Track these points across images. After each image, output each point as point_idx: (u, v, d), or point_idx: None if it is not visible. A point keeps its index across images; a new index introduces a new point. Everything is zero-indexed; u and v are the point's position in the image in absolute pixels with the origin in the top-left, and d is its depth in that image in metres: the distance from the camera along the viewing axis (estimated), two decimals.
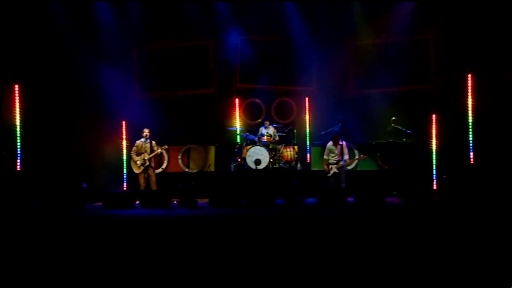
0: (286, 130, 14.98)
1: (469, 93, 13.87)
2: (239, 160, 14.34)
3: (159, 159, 14.56)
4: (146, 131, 13.02)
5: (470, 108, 13.83)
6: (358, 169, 14.13)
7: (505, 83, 13.85)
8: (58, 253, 8.46)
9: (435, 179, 13.56)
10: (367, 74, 15.26)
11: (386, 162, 14.23)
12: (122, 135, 14.44)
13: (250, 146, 14.19)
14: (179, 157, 14.89)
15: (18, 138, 13.49)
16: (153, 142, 13.07)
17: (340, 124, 14.54)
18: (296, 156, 14.57)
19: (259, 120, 15.12)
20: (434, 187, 13.42)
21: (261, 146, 14.08)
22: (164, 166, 14.82)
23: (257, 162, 13.86)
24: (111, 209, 12.10)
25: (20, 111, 13.60)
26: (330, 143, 12.93)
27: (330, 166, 12.79)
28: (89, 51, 14.64)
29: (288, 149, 14.55)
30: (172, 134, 14.92)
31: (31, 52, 14.22)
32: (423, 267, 7.52)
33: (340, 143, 12.84)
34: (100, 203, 12.58)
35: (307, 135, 15.21)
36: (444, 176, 12.57)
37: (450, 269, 7.39)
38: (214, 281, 7.41)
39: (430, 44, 15.05)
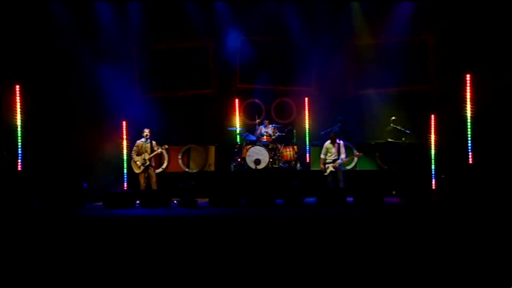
0: (286, 130, 15.02)
1: (468, 94, 13.87)
2: (239, 160, 14.36)
3: (159, 159, 14.54)
4: (146, 131, 13.04)
5: (468, 108, 13.82)
6: (357, 169, 14.19)
7: (504, 84, 13.88)
8: (59, 253, 8.45)
9: (434, 179, 13.55)
10: (367, 74, 15.31)
11: (385, 162, 14.25)
12: (123, 135, 14.39)
13: (250, 146, 14.22)
14: (179, 157, 14.90)
15: (19, 138, 13.47)
16: (154, 142, 13.09)
17: (339, 124, 14.61)
18: (295, 156, 14.60)
19: (259, 120, 15.15)
20: (433, 187, 13.42)
21: (260, 146, 14.11)
22: (164, 166, 14.81)
23: (257, 162, 13.89)
24: (112, 208, 12.13)
25: (21, 111, 13.59)
26: (328, 142, 12.97)
27: (327, 165, 12.84)
28: (89, 52, 14.65)
29: (288, 149, 14.58)
30: (173, 134, 14.96)
31: (32, 52, 14.23)
32: (422, 266, 7.51)
33: (338, 142, 12.90)
34: (101, 203, 12.59)
35: (307, 135, 15.27)
36: (443, 176, 12.59)
37: (449, 269, 7.39)
38: (214, 280, 7.41)
39: (429, 45, 15.11)
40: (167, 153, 14.67)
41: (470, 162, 13.74)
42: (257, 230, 9.40)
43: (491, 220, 9.50)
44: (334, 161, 12.80)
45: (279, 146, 14.57)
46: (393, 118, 14.34)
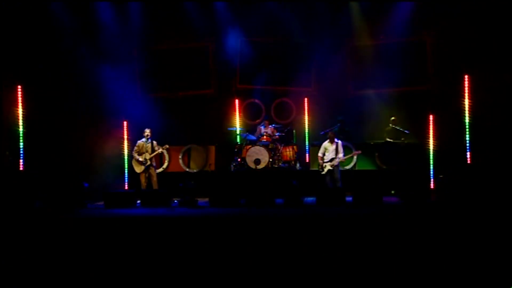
0: (286, 130, 15.05)
1: (466, 94, 13.88)
2: (239, 160, 14.39)
3: (160, 159, 14.57)
4: (147, 131, 13.09)
5: (467, 109, 13.81)
6: (356, 169, 14.24)
7: (502, 84, 13.91)
8: (60, 253, 8.52)
9: (433, 178, 13.56)
10: (366, 75, 15.34)
11: (385, 162, 14.29)
12: (124, 135, 14.41)
13: (250, 146, 14.24)
14: (180, 157, 14.92)
15: (21, 138, 13.47)
16: (154, 142, 13.13)
17: (338, 124, 14.68)
18: (295, 156, 14.63)
19: (259, 120, 15.21)
20: (432, 187, 13.45)
21: (260, 146, 14.13)
22: (165, 165, 14.83)
23: (257, 162, 13.92)
24: (113, 208, 12.20)
25: (22, 111, 13.57)
26: (326, 141, 13.04)
27: (324, 164, 12.90)
28: (90, 52, 14.68)
29: (288, 149, 14.60)
30: (173, 134, 14.94)
31: (33, 52, 14.22)
32: (421, 266, 7.57)
33: (336, 141, 12.97)
34: (102, 203, 12.65)
35: (306, 135, 15.28)
36: (441, 176, 12.62)
37: (448, 268, 7.44)
38: (215, 279, 7.46)
39: (427, 46, 15.13)
40: (168, 153, 14.69)
41: (469, 162, 13.73)
42: (257, 230, 9.44)
43: (489, 220, 9.54)
44: (331, 160, 12.88)
45: (279, 146, 14.59)
46: (393, 118, 14.41)
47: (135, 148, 13.17)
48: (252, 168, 13.97)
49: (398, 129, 14.23)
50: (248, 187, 13.30)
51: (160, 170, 14.51)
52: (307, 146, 15.21)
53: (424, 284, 7.12)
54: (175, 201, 12.72)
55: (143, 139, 13.10)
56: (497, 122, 13.91)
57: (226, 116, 15.94)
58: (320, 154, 13.05)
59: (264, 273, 7.59)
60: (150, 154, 13.04)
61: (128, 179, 14.40)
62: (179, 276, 7.67)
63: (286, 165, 14.54)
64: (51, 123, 14.27)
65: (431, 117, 14.03)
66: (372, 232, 9.04)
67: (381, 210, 11.27)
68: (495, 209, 10.67)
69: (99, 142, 14.60)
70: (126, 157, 14.33)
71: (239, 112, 15.99)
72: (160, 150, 13.24)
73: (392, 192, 13.35)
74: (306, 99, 15.43)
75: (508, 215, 10.02)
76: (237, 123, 15.84)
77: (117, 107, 14.75)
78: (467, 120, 13.86)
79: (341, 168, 13.34)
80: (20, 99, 13.61)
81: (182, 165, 14.93)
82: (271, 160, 14.08)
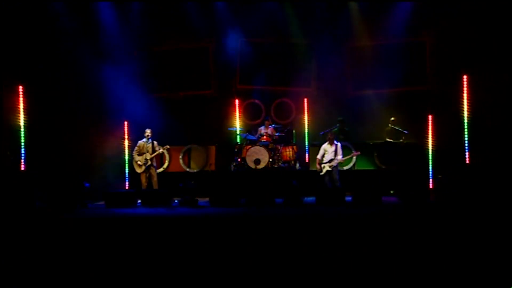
0: (285, 130, 15.08)
1: (465, 94, 13.90)
2: (239, 160, 14.41)
3: (160, 159, 14.60)
4: (148, 131, 13.14)
5: (465, 109, 13.83)
6: (355, 168, 14.27)
7: (501, 84, 13.95)
8: (61, 252, 8.54)
9: (432, 178, 13.57)
10: (365, 75, 15.43)
11: (384, 162, 14.33)
12: (124, 135, 14.43)
13: (250, 146, 14.26)
14: (180, 157, 14.95)
15: (22, 138, 13.48)
16: (155, 142, 13.17)
17: (338, 124, 14.74)
18: (295, 156, 14.66)
19: (259, 121, 15.27)
20: (431, 187, 13.48)
21: (260, 146, 14.16)
22: (165, 165, 14.85)
23: (257, 162, 13.94)
24: (113, 208, 12.23)
25: (24, 111, 13.61)
26: (326, 143, 13.08)
27: (323, 165, 12.95)
28: (91, 52, 14.70)
29: (287, 149, 14.63)
30: (173, 134, 14.96)
31: (34, 53, 14.24)
32: (420, 265, 7.60)
33: (335, 143, 13.02)
34: (103, 202, 12.69)
35: (306, 135, 15.31)
36: (440, 175, 12.65)
37: (447, 268, 7.47)
38: (215, 279, 7.49)
39: (426, 46, 15.21)
40: (168, 153, 14.72)
41: (468, 162, 13.73)
42: (257, 229, 9.46)
43: (488, 220, 9.56)
44: (330, 160, 12.93)
45: (279, 146, 14.62)
46: (392, 119, 14.48)
47: (136, 148, 13.21)
48: (252, 168, 13.99)
49: (397, 129, 14.29)
50: (248, 187, 13.31)
51: (161, 170, 14.53)
52: (306, 146, 15.23)
53: (424, 284, 7.13)
54: (176, 201, 12.74)
55: (144, 139, 13.14)
56: (496, 122, 13.96)
57: (226, 116, 15.99)
58: (319, 157, 13.09)
59: (264, 272, 7.60)
60: (150, 154, 13.08)
61: (128, 179, 14.41)
62: (179, 275, 7.68)
63: (286, 165, 14.56)
64: (52, 123, 14.30)
65: (430, 117, 14.04)
66: (372, 232, 9.06)
67: (380, 210, 11.28)
68: (494, 209, 10.68)
69: (100, 142, 14.62)
70: (127, 157, 14.34)
71: (239, 112, 16.04)
72: (161, 150, 13.28)
73: (392, 192, 13.39)
74: (305, 99, 15.46)
75: (507, 215, 10.03)
76: (237, 123, 15.88)
77: (117, 107, 14.77)
78: (466, 120, 13.86)
79: (340, 168, 13.39)
80: (21, 99, 13.59)
81: (182, 165, 14.95)
82: (271, 160, 14.10)
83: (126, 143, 14.35)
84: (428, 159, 13.86)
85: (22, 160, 13.51)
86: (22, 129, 13.55)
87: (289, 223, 9.93)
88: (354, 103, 15.51)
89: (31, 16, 14.27)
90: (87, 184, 13.04)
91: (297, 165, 14.64)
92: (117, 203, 12.38)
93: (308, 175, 14.05)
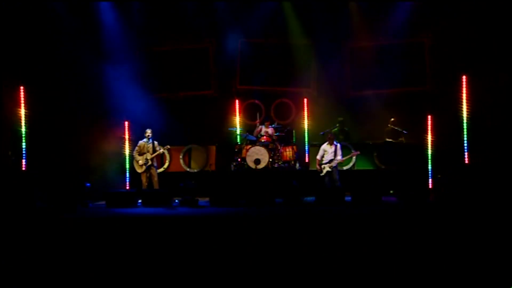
0: (285, 130, 15.12)
1: (464, 94, 13.90)
2: (239, 160, 14.45)
3: (161, 159, 14.63)
4: (148, 132, 13.17)
5: (464, 109, 13.83)
6: (355, 168, 14.31)
7: (499, 85, 13.97)
8: (62, 252, 8.58)
9: (431, 178, 13.58)
10: (364, 75, 15.46)
11: (383, 162, 14.37)
12: (125, 135, 14.44)
13: (250, 146, 14.29)
14: (181, 157, 14.99)
15: (23, 138, 13.50)
16: (155, 142, 13.20)
17: (338, 124, 14.77)
18: (295, 156, 14.68)
19: (259, 121, 15.31)
20: (430, 186, 13.51)
21: (260, 146, 14.19)
22: (166, 165, 14.89)
23: (257, 162, 13.97)
24: (114, 208, 12.26)
25: (25, 112, 13.61)
26: (325, 144, 13.12)
27: (323, 166, 12.99)
28: (92, 53, 14.73)
29: (287, 149, 14.66)
30: (174, 134, 14.99)
31: (35, 53, 14.24)
32: (419, 265, 7.63)
33: (335, 144, 13.06)
34: (103, 202, 12.73)
35: (306, 135, 15.32)
36: (439, 175, 12.68)
37: (447, 268, 7.50)
38: (215, 279, 7.53)
39: (425, 47, 15.24)
40: (169, 153, 14.77)
41: (467, 162, 13.75)
42: (257, 229, 9.48)
43: (487, 220, 9.58)
44: (330, 161, 12.98)
45: (279, 146, 14.67)
46: (392, 119, 14.53)
47: (136, 148, 13.24)
48: (252, 168, 14.01)
49: (397, 129, 14.32)
50: (248, 187, 13.32)
51: (161, 170, 14.58)
52: (306, 146, 15.23)
53: (423, 283, 7.16)
54: (176, 200, 12.77)
55: (145, 139, 13.17)
56: (495, 122, 13.97)
57: (226, 117, 16.02)
58: (318, 157, 13.12)
59: (264, 272, 7.63)
60: (151, 154, 13.11)
61: (129, 179, 14.41)
62: (179, 275, 7.70)
63: (286, 165, 14.58)
64: (53, 123, 14.28)
65: (429, 117, 14.03)
66: (371, 232, 9.09)
67: (380, 210, 11.31)
68: (493, 208, 10.71)
69: (100, 142, 14.59)
70: (127, 157, 14.36)
71: (239, 113, 16.06)
72: (161, 150, 13.30)
73: (391, 192, 13.43)
74: (305, 99, 15.46)
75: (506, 214, 10.06)
76: (237, 123, 15.90)
77: (118, 107, 14.77)
78: (465, 120, 13.85)
79: (340, 168, 13.43)
80: (22, 99, 13.62)
81: (182, 165, 14.99)
82: (271, 160, 14.13)
83: (127, 143, 14.36)
84: (427, 159, 13.84)
85: (23, 160, 13.53)
86: (23, 129, 13.57)
87: (289, 223, 9.95)
88: (354, 103, 15.55)
89: (32, 16, 14.26)
90: (87, 184, 13.06)
91: (297, 165, 14.66)
92: (118, 203, 12.41)
93: (308, 175, 14.07)
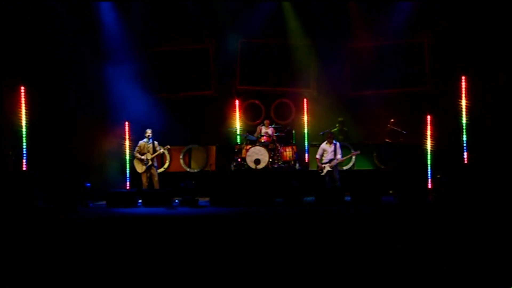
0: (285, 130, 15.14)
1: (463, 95, 13.90)
2: (239, 160, 14.46)
3: (161, 159, 14.64)
4: (148, 132, 13.20)
5: (464, 110, 13.84)
6: (355, 168, 14.34)
7: (499, 85, 14.01)
8: (62, 252, 8.57)
9: (430, 178, 13.59)
10: (364, 76, 15.51)
11: (383, 162, 14.40)
12: (125, 135, 14.43)
13: (250, 146, 14.31)
14: (181, 157, 15.00)
15: (24, 138, 13.51)
16: (156, 142, 13.22)
17: (337, 125, 14.80)
18: (294, 156, 14.68)
19: (259, 121, 15.33)
20: (429, 187, 13.54)
21: (260, 146, 14.21)
22: (166, 165, 14.90)
23: (257, 162, 13.99)
24: (115, 207, 12.30)
25: (26, 112, 13.62)
26: (324, 143, 13.16)
27: (324, 165, 13.02)
28: (92, 53, 14.77)
29: (287, 149, 14.67)
30: (174, 134, 14.98)
31: (36, 53, 14.27)
32: (419, 265, 7.61)
33: (334, 143, 13.08)
34: (104, 202, 12.77)
35: (306, 135, 15.29)
36: (438, 175, 12.70)
37: (446, 268, 7.48)
38: (215, 278, 7.51)
39: (425, 47, 15.27)
40: (169, 153, 14.77)
41: (466, 162, 13.76)
42: (257, 229, 9.52)
43: (487, 220, 9.63)
44: (330, 161, 12.99)
45: (279, 146, 14.69)
46: (392, 120, 14.55)
47: (137, 148, 13.26)
48: (252, 168, 14.03)
49: (396, 130, 14.34)
50: (248, 187, 13.33)
51: (161, 170, 14.59)
52: (306, 146, 15.20)
53: (423, 283, 7.13)
54: (176, 200, 12.80)
55: (145, 140, 13.20)
56: (495, 122, 14.02)
57: (226, 117, 16.02)
58: (318, 156, 13.16)
59: (264, 272, 7.62)
60: (151, 154, 13.12)
61: (130, 179, 14.39)
62: (180, 275, 7.69)
63: (286, 165, 14.60)
64: (53, 124, 14.32)
65: (428, 117, 14.03)
66: (371, 231, 9.12)
67: (379, 210, 11.34)
68: (492, 208, 10.74)
69: (101, 142, 14.63)
70: (128, 157, 14.35)
71: (239, 113, 16.07)
72: (162, 150, 13.31)
73: (391, 192, 13.45)
74: (305, 99, 15.45)
75: (506, 214, 10.09)
76: (237, 123, 15.91)
77: (118, 107, 14.77)
78: (464, 120, 13.86)
79: (339, 168, 13.46)
80: (23, 100, 13.63)
81: (183, 165, 15.00)
82: (271, 160, 14.15)
83: (127, 143, 14.37)
84: (426, 159, 13.83)
85: (24, 160, 13.54)
86: (23, 129, 13.58)
87: (289, 223, 9.97)
88: (354, 103, 15.57)
89: (32, 16, 14.27)
90: (88, 184, 13.08)
91: (297, 165, 14.67)
92: (118, 202, 12.44)
93: (307, 175, 14.09)
